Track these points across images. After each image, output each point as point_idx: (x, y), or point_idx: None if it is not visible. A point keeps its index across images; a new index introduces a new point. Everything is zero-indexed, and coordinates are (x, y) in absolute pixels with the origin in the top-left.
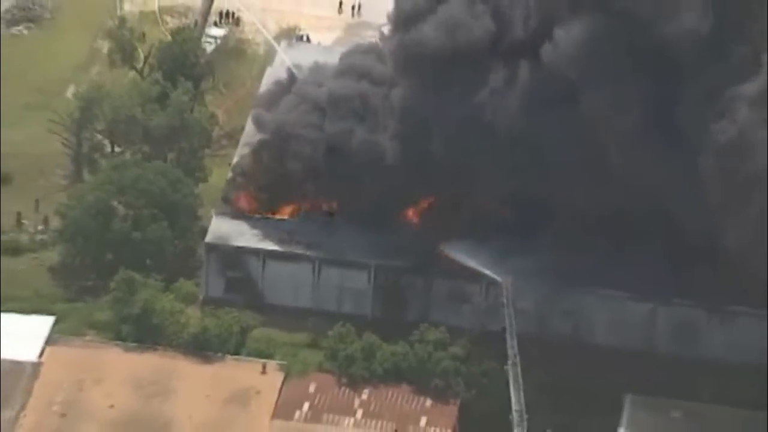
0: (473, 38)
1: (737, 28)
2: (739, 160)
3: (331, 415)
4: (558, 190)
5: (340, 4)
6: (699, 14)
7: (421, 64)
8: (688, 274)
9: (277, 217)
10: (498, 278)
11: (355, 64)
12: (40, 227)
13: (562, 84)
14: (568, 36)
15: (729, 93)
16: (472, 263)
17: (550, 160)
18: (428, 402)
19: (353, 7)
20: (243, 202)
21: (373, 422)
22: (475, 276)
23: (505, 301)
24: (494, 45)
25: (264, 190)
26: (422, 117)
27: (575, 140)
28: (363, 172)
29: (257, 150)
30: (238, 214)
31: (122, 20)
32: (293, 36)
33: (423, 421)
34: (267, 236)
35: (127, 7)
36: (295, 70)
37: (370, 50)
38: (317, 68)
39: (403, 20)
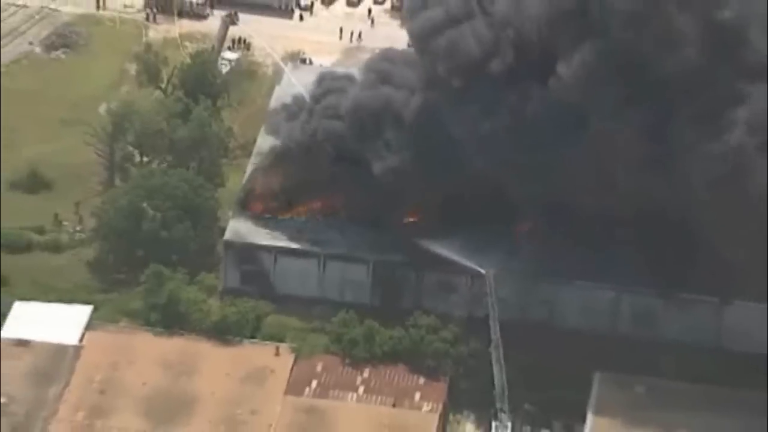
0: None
1: (731, 56)
2: (732, 178)
3: (336, 391)
4: (547, 195)
5: (341, 31)
6: (696, 47)
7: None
8: (648, 267)
9: (287, 217)
10: (482, 271)
11: (379, 70)
12: (78, 227)
13: (569, 107)
14: (569, 69)
15: (724, 116)
16: (458, 258)
17: (549, 168)
18: (421, 379)
19: (352, 34)
20: (257, 205)
21: (373, 397)
22: (462, 269)
23: (488, 290)
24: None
25: (276, 193)
26: (439, 127)
27: (575, 154)
28: (369, 178)
29: (270, 158)
30: (252, 215)
31: (148, 45)
32: (297, 59)
33: (417, 396)
34: (278, 234)
35: (151, 34)
36: (303, 91)
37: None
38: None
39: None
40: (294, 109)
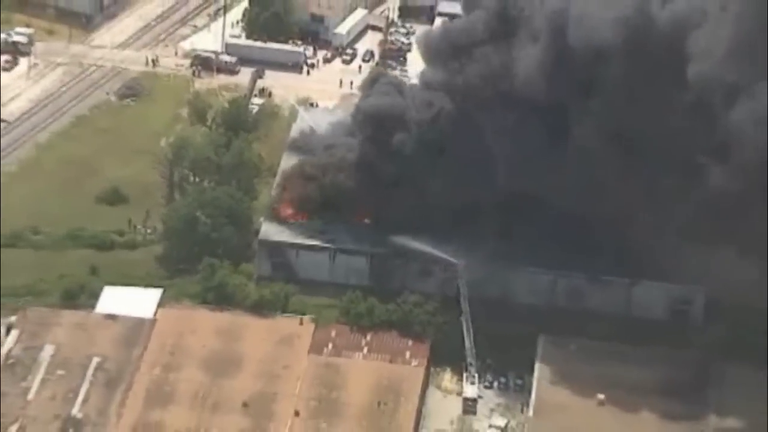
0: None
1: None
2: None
3: (346, 351)
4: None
5: (341, 82)
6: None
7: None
8: (576, 257)
9: (305, 221)
10: (454, 261)
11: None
12: (148, 231)
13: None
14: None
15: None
16: (437, 252)
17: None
18: (410, 342)
19: (351, 83)
20: (283, 212)
21: (375, 356)
22: (438, 259)
23: (459, 275)
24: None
25: (296, 204)
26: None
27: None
28: (371, 189)
29: (293, 176)
30: (279, 221)
31: (196, 94)
32: (307, 103)
33: (407, 354)
34: (298, 235)
35: (197, 85)
36: (314, 126)
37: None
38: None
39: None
40: (307, 139)
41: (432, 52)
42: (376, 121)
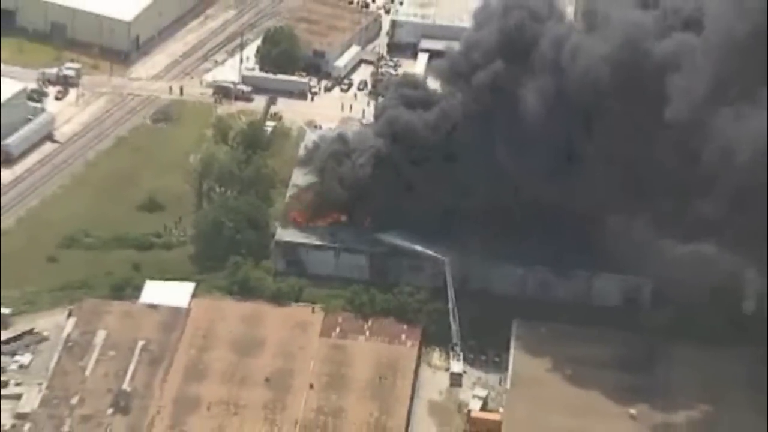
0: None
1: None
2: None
3: (351, 334)
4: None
5: (342, 105)
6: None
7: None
8: (544, 254)
9: (313, 225)
10: (441, 257)
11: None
12: (181, 234)
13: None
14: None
15: None
16: (426, 250)
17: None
18: (405, 326)
19: (351, 106)
20: (295, 218)
21: (375, 338)
22: (427, 256)
23: (445, 270)
24: None
25: (305, 211)
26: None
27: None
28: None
29: (301, 189)
30: (292, 225)
31: (219, 118)
32: (312, 124)
33: (403, 337)
34: (308, 236)
35: (219, 110)
36: (319, 141)
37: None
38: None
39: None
40: (314, 154)
41: (450, 71)
42: (397, 133)
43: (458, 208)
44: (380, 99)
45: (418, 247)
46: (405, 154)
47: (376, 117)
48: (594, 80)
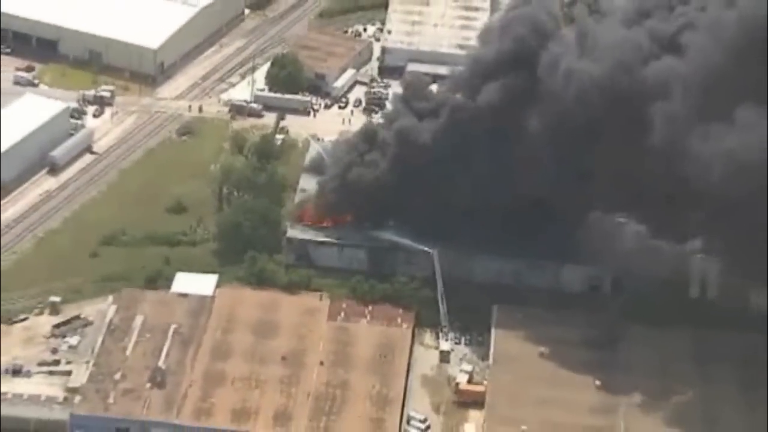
0: None
1: None
2: None
3: (354, 318)
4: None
5: (343, 120)
6: None
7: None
8: (518, 246)
9: (319, 225)
10: (430, 250)
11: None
12: (205, 233)
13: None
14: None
15: None
16: (417, 244)
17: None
18: (400, 311)
19: (351, 120)
20: (303, 217)
21: (375, 321)
22: (418, 250)
23: (434, 261)
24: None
25: (312, 212)
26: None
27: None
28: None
29: (308, 194)
30: (300, 224)
31: (235, 132)
32: (315, 137)
33: (398, 320)
34: (315, 234)
35: (234, 126)
36: (322, 153)
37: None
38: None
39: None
40: (318, 163)
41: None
42: (405, 140)
43: (447, 208)
44: (373, 114)
45: (411, 243)
46: (410, 160)
47: (385, 125)
48: (585, 103)
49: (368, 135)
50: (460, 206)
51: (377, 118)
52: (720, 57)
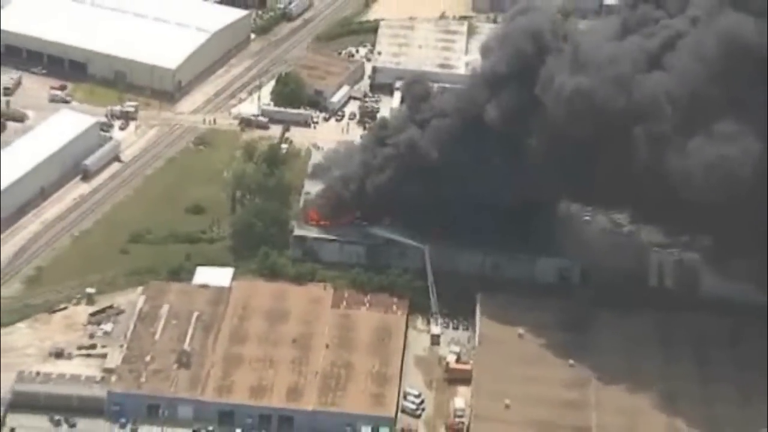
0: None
1: None
2: None
3: (355, 306)
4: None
5: (342, 130)
6: None
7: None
8: (498, 241)
9: (322, 224)
10: (421, 246)
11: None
12: (221, 231)
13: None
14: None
15: None
16: (409, 240)
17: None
18: (395, 299)
19: (347, 130)
20: (308, 218)
21: (373, 309)
22: (411, 245)
23: (426, 255)
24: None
25: (316, 212)
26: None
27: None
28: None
29: (311, 196)
30: (306, 223)
31: (245, 142)
32: (316, 145)
33: (394, 307)
34: (319, 232)
35: (244, 136)
36: (322, 160)
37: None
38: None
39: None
40: (320, 169)
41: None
42: (407, 150)
43: (437, 209)
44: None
45: (404, 239)
46: (410, 168)
47: (392, 134)
48: (575, 118)
49: (373, 142)
50: (450, 207)
51: (373, 129)
52: (701, 75)
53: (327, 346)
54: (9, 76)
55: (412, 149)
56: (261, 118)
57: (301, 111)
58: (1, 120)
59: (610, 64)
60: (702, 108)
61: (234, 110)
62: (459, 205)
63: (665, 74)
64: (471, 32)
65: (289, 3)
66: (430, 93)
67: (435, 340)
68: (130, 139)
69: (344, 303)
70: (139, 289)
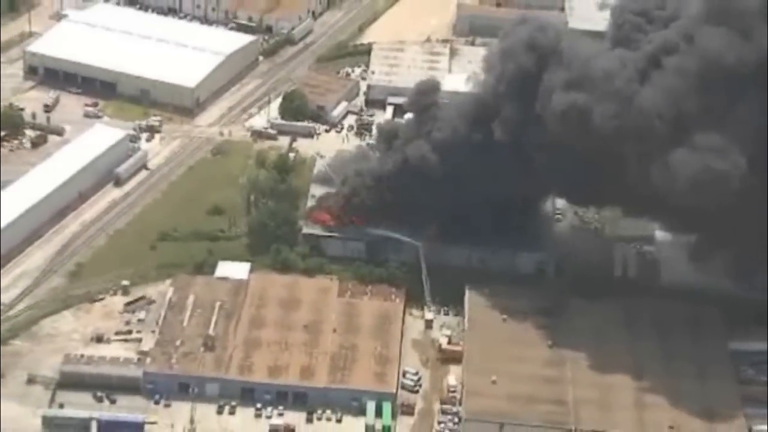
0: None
1: None
2: None
3: (358, 296)
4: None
5: (343, 140)
6: None
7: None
8: (483, 238)
9: (331, 224)
10: (415, 242)
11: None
12: (238, 231)
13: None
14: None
15: None
16: (405, 237)
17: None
18: (393, 289)
19: (346, 140)
20: (315, 218)
21: (375, 298)
22: (406, 242)
23: (420, 250)
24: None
25: (322, 214)
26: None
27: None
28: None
29: (317, 199)
30: (313, 223)
31: (257, 151)
32: (320, 154)
33: (393, 296)
34: (325, 231)
35: (255, 146)
36: (327, 168)
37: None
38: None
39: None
40: (325, 175)
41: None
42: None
43: (431, 210)
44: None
45: (401, 236)
46: (413, 172)
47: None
48: (569, 132)
49: (382, 152)
50: (444, 209)
51: (371, 140)
52: (684, 92)
53: (334, 331)
54: (48, 95)
55: (419, 159)
56: (270, 130)
57: (306, 124)
58: (44, 134)
59: (602, 79)
60: (686, 122)
61: (246, 123)
62: (452, 207)
63: (655, 91)
64: (453, 54)
65: (292, 29)
66: (436, 105)
67: (429, 324)
68: (155, 150)
69: (348, 293)
70: (168, 281)
